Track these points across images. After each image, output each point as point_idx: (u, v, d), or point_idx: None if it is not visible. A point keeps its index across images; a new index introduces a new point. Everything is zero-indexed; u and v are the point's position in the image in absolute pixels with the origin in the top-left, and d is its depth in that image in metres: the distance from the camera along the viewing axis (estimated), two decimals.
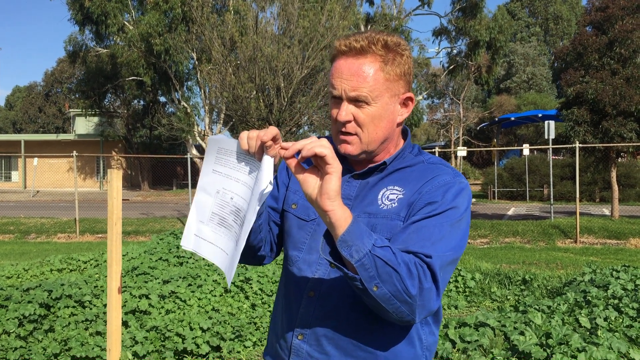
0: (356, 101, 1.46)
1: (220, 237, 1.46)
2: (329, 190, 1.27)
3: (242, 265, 5.96)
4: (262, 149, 1.34)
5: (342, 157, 1.60)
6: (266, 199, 1.65)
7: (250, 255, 1.63)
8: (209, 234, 1.48)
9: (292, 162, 1.32)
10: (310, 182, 1.30)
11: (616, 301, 5.41)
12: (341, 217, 1.28)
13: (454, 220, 1.42)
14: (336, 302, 1.49)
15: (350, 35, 1.49)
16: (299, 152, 1.31)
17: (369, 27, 29.74)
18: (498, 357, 4.04)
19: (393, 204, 1.48)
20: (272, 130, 1.33)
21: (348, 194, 1.55)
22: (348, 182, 1.57)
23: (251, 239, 1.54)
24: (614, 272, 6.59)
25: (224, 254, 1.44)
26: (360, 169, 1.57)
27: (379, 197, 1.51)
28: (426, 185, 1.48)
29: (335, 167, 1.27)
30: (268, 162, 1.34)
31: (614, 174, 15.83)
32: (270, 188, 1.33)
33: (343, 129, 1.49)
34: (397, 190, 1.50)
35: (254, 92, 14.54)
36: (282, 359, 1.58)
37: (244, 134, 1.36)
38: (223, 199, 1.45)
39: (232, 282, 6.70)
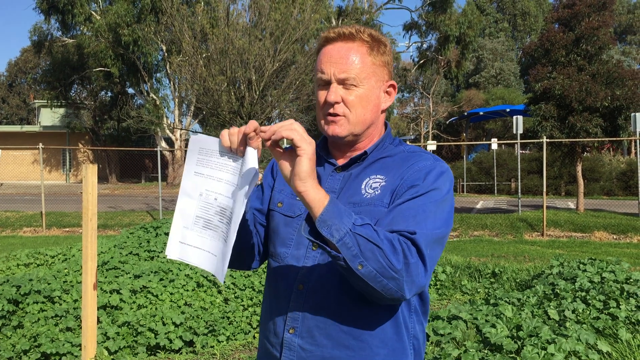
0: (345, 83, 1.51)
1: (206, 240, 1.45)
2: (299, 171, 1.31)
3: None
4: (245, 142, 1.37)
5: (326, 150, 1.65)
6: (251, 202, 1.66)
7: (239, 260, 1.64)
8: (194, 239, 1.47)
9: (276, 150, 1.38)
10: (286, 164, 1.36)
11: (583, 293, 5.54)
12: (315, 197, 1.32)
13: (438, 201, 1.45)
14: (325, 292, 1.50)
15: (337, 26, 1.56)
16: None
17: (341, 20, 29.74)
18: (471, 350, 4.10)
19: (376, 192, 1.51)
20: (253, 123, 1.37)
21: (332, 186, 1.58)
22: (332, 175, 1.60)
23: (236, 242, 1.54)
24: (581, 265, 6.74)
25: (212, 256, 1.44)
26: (343, 162, 1.60)
27: (363, 186, 1.54)
28: (407, 170, 1.51)
29: (303, 149, 1.32)
30: (252, 154, 1.36)
31: (579, 169, 16.16)
32: (256, 179, 1.36)
33: (331, 110, 1.53)
34: (379, 178, 1.53)
35: (225, 85, 14.43)
36: (274, 356, 1.57)
37: (225, 132, 1.40)
38: (207, 200, 1.45)
39: (206, 277, 6.66)
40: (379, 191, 1.51)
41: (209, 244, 1.45)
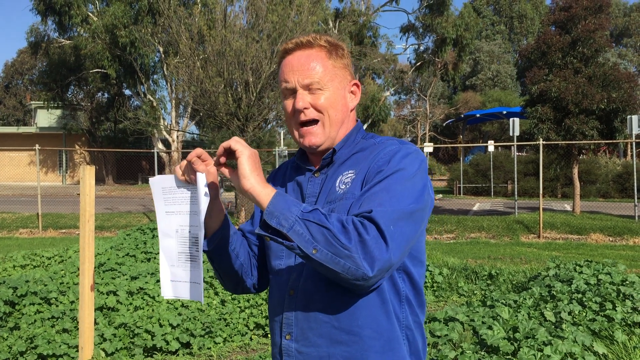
0: (310, 88, 1.55)
1: (190, 272, 1.53)
2: (242, 170, 1.39)
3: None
4: (192, 169, 1.45)
5: (304, 158, 1.68)
6: (243, 226, 1.76)
7: (241, 285, 1.71)
8: (182, 274, 1.54)
9: (222, 169, 1.48)
10: (234, 175, 1.42)
11: (580, 295, 5.55)
12: (261, 192, 1.38)
13: (404, 179, 1.46)
14: (313, 292, 1.52)
15: (295, 36, 1.63)
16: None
17: (338, 22, 29.78)
18: (467, 351, 4.11)
19: (347, 186, 1.54)
20: (196, 150, 1.46)
21: (312, 191, 1.61)
22: (311, 180, 1.63)
23: (232, 266, 1.64)
24: (577, 267, 6.75)
25: (197, 285, 1.51)
26: (318, 165, 1.64)
27: (337, 184, 1.57)
28: (374, 159, 1.54)
29: (240, 150, 1.40)
30: (200, 177, 1.44)
31: (575, 171, 16.20)
32: (207, 198, 1.43)
33: (302, 117, 1.56)
34: (351, 173, 1.56)
35: (222, 87, 14.43)
36: None
37: (177, 166, 1.50)
38: (183, 235, 1.53)
39: (203, 279, 6.65)
40: (350, 184, 1.54)
41: (193, 274, 1.52)
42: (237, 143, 1.40)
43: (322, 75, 1.55)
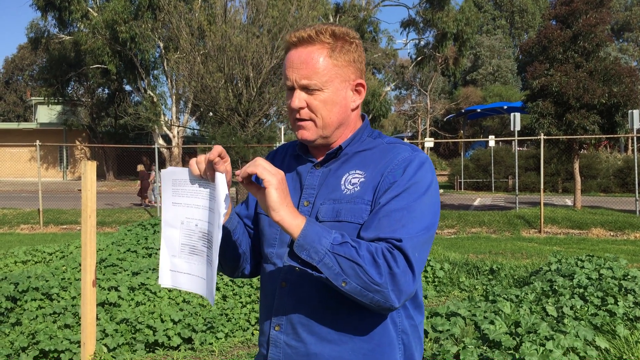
0: (307, 88, 1.51)
1: (194, 265, 1.50)
2: (270, 203, 1.35)
3: None
4: (212, 168, 1.41)
5: (305, 149, 1.65)
6: (238, 210, 1.72)
7: (240, 270, 1.69)
8: (183, 266, 1.52)
9: (247, 185, 1.42)
10: (262, 199, 1.38)
11: (581, 290, 5.55)
12: (292, 223, 1.35)
13: (421, 196, 1.45)
14: (307, 289, 1.51)
15: (301, 27, 1.55)
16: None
17: (338, 17, 29.73)
18: (469, 346, 4.11)
19: (356, 188, 1.51)
20: (217, 148, 1.41)
21: (311, 183, 1.58)
22: (310, 172, 1.61)
23: (233, 254, 1.62)
24: (579, 262, 6.74)
25: (201, 279, 1.49)
26: (321, 158, 1.61)
27: (342, 182, 1.54)
28: (386, 165, 1.51)
29: (268, 180, 1.35)
30: (220, 178, 1.41)
31: (576, 166, 16.18)
32: (227, 202, 1.40)
33: (298, 116, 1.54)
34: (358, 174, 1.53)
35: (223, 82, 14.41)
36: (263, 354, 1.60)
37: (193, 160, 1.46)
38: (188, 228, 1.50)
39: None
40: (359, 187, 1.51)
41: (197, 268, 1.50)
42: (264, 171, 1.35)
43: (320, 76, 1.50)
